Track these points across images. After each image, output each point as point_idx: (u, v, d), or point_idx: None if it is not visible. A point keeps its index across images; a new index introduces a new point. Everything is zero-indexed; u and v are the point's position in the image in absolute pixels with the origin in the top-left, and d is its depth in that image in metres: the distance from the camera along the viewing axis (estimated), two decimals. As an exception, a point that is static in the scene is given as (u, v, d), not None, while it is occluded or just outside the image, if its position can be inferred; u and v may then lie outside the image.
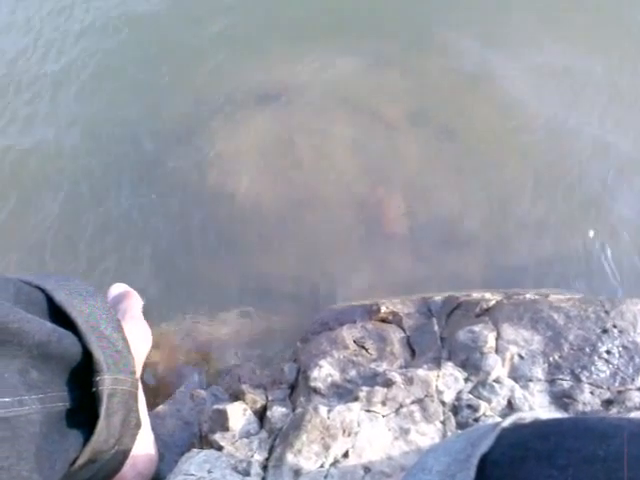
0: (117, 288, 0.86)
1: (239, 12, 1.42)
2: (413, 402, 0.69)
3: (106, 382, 0.53)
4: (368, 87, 1.29)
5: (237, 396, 0.75)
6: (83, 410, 0.54)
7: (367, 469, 0.63)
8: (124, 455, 0.62)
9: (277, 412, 0.70)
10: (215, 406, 0.71)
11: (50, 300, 0.55)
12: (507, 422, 0.48)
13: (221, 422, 0.69)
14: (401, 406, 0.68)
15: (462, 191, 1.11)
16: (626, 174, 1.12)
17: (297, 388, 0.76)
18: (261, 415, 0.72)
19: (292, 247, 1.10)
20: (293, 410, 0.71)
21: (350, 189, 1.16)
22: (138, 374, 0.65)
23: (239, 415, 0.70)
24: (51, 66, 1.40)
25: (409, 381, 0.70)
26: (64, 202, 1.16)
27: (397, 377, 0.70)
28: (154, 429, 0.71)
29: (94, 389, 0.53)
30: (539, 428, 0.45)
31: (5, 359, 0.47)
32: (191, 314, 1.02)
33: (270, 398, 0.74)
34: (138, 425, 0.63)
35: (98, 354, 0.53)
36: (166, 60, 1.37)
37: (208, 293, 1.07)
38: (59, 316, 0.54)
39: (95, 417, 0.53)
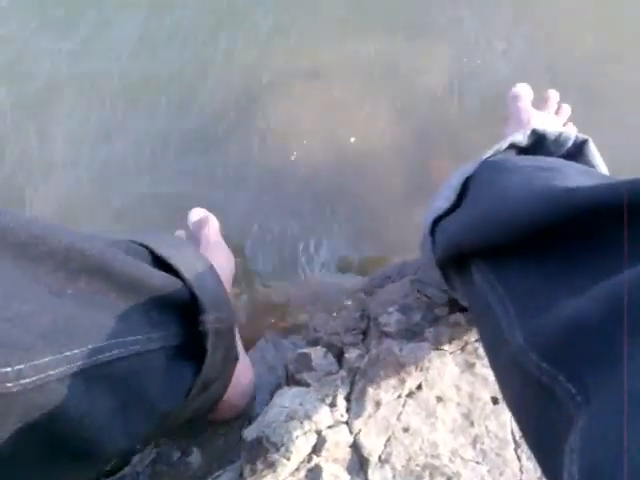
0: (197, 213, 0.91)
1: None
2: (477, 340, 0.76)
3: (211, 320, 0.59)
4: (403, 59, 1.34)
5: (315, 342, 0.84)
6: (189, 347, 0.60)
7: (439, 398, 0.72)
8: (225, 385, 0.70)
9: (354, 354, 0.79)
10: (299, 350, 0.80)
11: (151, 253, 0.61)
12: (488, 154, 0.70)
13: (306, 363, 0.78)
14: (466, 344, 0.76)
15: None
16: None
17: (368, 333, 0.84)
18: (339, 357, 0.81)
19: (347, 210, 1.18)
20: (367, 352, 0.79)
21: (400, 156, 1.23)
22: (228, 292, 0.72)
23: (320, 357, 0.78)
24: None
25: (472, 322, 0.78)
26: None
27: (461, 319, 0.78)
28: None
29: (200, 328, 0.58)
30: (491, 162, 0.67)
31: (133, 302, 0.53)
32: (257, 279, 1.11)
33: (345, 342, 0.83)
34: (236, 358, 0.71)
35: (202, 296, 0.59)
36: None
37: (267, 257, 1.16)
38: (161, 266, 0.61)
39: (200, 353, 0.59)
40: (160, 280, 0.56)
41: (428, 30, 1.37)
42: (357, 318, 0.87)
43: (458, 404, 0.71)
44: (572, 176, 0.54)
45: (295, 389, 0.74)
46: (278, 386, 0.81)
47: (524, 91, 1.04)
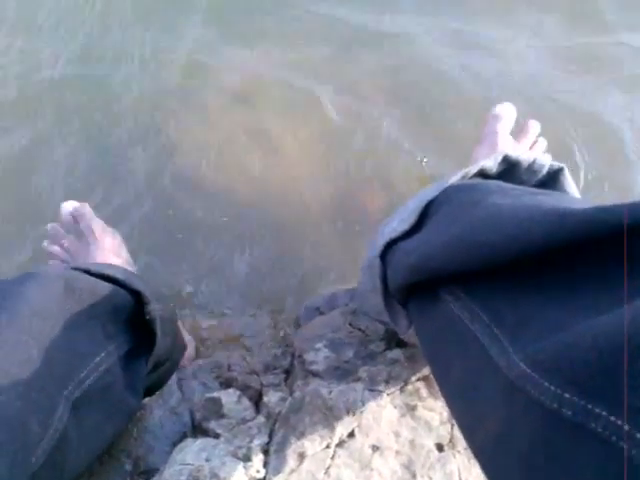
0: (68, 206, 0.86)
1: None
2: (418, 379, 0.66)
3: (156, 309, 0.63)
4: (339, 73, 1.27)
5: (229, 384, 0.71)
6: (138, 348, 0.63)
7: (375, 447, 0.60)
8: (173, 367, 0.72)
9: (274, 397, 0.66)
10: (207, 394, 0.66)
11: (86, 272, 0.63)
12: (454, 179, 0.63)
13: (215, 410, 0.65)
14: (406, 383, 0.65)
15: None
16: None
17: (292, 373, 0.72)
18: (256, 401, 0.68)
19: (272, 243, 1.07)
20: (290, 394, 0.67)
21: (328, 181, 1.14)
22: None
23: (233, 402, 0.65)
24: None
25: (412, 358, 0.67)
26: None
27: (400, 355, 0.67)
28: (140, 420, 0.67)
29: (147, 317, 0.62)
30: (469, 184, 0.62)
31: (95, 318, 0.57)
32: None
33: (264, 383, 0.70)
34: (184, 346, 0.74)
35: (145, 291, 0.63)
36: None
37: (185, 290, 1.03)
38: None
39: (149, 348, 0.63)
40: (110, 290, 0.59)
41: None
42: (279, 355, 0.75)
43: (397, 453, 0.59)
44: (565, 201, 0.49)
45: (201, 441, 0.60)
46: (183, 436, 0.67)
47: (507, 113, 0.89)
